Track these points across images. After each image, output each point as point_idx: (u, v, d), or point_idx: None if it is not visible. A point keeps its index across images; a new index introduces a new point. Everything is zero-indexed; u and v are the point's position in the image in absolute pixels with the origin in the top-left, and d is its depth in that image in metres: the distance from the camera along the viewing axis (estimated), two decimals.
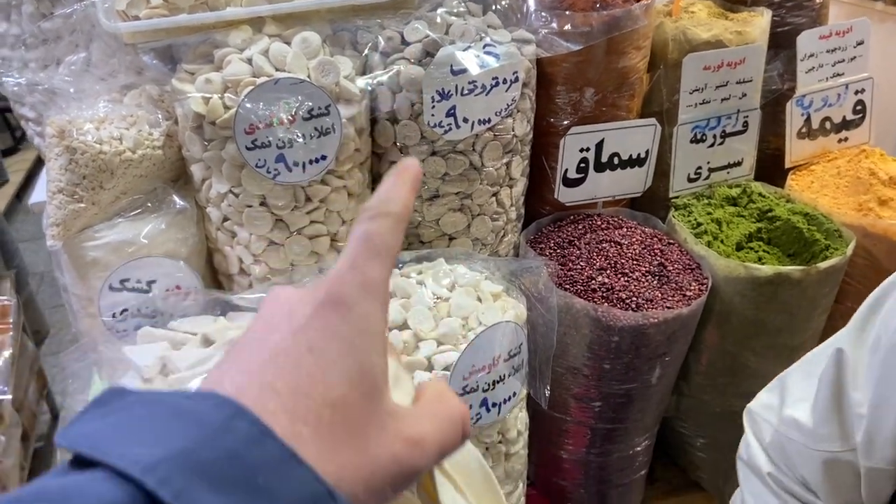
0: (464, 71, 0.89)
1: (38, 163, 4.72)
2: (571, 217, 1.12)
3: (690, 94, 1.06)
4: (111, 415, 0.29)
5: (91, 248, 0.90)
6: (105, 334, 0.92)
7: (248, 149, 0.85)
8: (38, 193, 1.10)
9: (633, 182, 1.11)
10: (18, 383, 2.14)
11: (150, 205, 0.92)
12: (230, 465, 0.26)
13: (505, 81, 0.92)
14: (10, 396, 1.99)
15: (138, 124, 0.90)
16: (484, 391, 0.82)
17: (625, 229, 1.08)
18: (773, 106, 1.22)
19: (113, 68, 0.96)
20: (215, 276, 1.03)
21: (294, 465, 0.27)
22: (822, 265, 0.99)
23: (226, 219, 0.93)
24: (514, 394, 0.87)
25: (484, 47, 0.91)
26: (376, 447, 0.31)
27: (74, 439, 0.28)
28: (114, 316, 0.92)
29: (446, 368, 0.80)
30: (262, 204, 0.90)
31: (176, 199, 0.93)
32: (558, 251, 1.06)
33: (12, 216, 4.09)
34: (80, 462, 0.27)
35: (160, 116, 0.92)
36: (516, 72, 0.93)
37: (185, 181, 0.98)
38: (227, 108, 0.85)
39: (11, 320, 2.22)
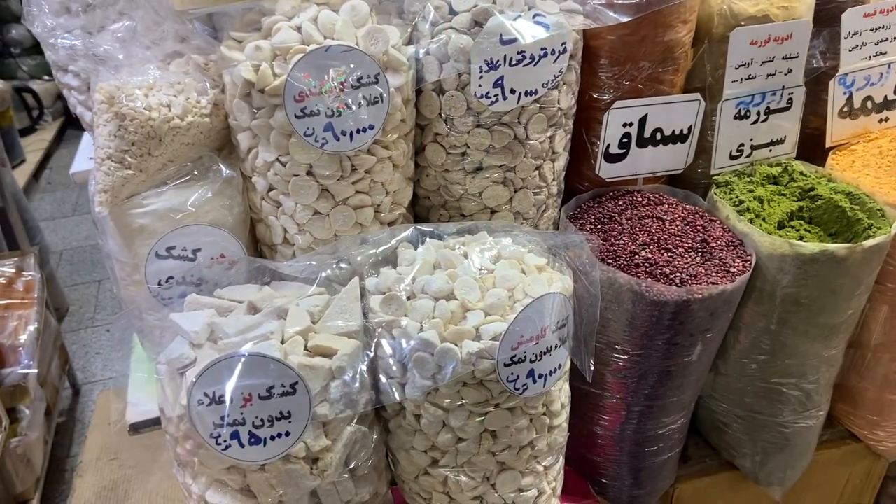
0: (513, 40, 0.88)
1: (55, 142, 4.74)
2: (611, 193, 1.12)
3: (736, 69, 1.05)
4: None
5: (138, 214, 0.90)
6: (150, 301, 0.92)
7: (297, 117, 0.85)
8: (80, 162, 1.10)
9: (675, 158, 1.10)
10: (42, 359, 2.16)
11: (196, 173, 0.92)
12: None
13: (553, 52, 0.92)
14: (35, 370, 2.01)
15: (186, 92, 0.90)
16: (531, 362, 0.82)
17: (666, 206, 1.08)
18: (814, 85, 1.20)
19: (158, 36, 0.95)
20: (257, 246, 1.03)
21: None
22: (867, 243, 0.98)
23: (271, 188, 0.93)
24: (560, 366, 0.87)
25: (534, 17, 0.90)
26: None
27: None
28: (159, 283, 0.92)
29: (494, 338, 0.80)
30: (308, 173, 0.90)
31: (223, 167, 0.93)
32: (599, 227, 1.06)
33: (30, 195, 4.12)
34: None
35: (207, 84, 0.91)
36: (565, 42, 0.92)
37: (229, 150, 0.98)
38: (276, 75, 0.85)
39: (36, 295, 2.24)
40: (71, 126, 4.87)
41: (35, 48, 4.66)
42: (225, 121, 0.94)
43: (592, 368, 0.91)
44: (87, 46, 0.89)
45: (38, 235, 3.02)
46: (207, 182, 0.92)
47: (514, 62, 0.90)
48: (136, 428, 1.03)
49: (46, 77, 4.73)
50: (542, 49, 0.91)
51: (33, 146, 4.53)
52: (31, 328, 2.12)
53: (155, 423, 0.97)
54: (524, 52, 0.90)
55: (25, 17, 0.95)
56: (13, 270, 2.29)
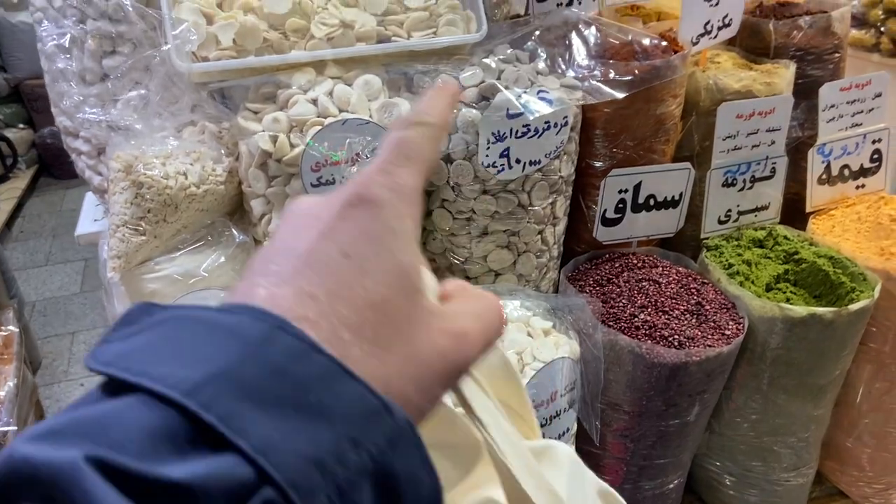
0: (520, 115, 0.93)
1: (28, 191, 4.69)
2: (607, 255, 1.15)
3: (724, 140, 1.10)
4: (142, 333, 0.26)
5: (150, 279, 0.91)
6: None
7: (312, 185, 0.87)
8: (84, 225, 1.11)
9: (667, 222, 1.15)
10: (20, 415, 2.10)
11: (209, 238, 0.94)
12: (277, 383, 0.24)
13: (556, 125, 0.96)
14: (15, 428, 1.96)
15: (202, 160, 0.92)
16: (542, 426, 0.84)
17: (660, 268, 1.12)
18: (794, 153, 1.27)
19: (172, 105, 0.98)
20: None
21: (345, 380, 0.25)
22: (853, 307, 1.03)
23: None
24: (568, 429, 0.89)
25: (538, 93, 0.95)
26: (422, 345, 0.29)
27: (106, 361, 0.25)
28: None
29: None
30: None
31: (235, 232, 0.95)
32: (598, 288, 1.09)
33: (2, 245, 4.05)
34: (114, 386, 0.25)
35: (223, 152, 0.94)
36: (566, 116, 0.97)
37: (240, 215, 1.00)
38: (293, 146, 0.88)
39: (15, 350, 2.20)
40: (45, 174, 4.83)
41: (10, 97, 4.65)
42: (238, 187, 0.96)
43: (599, 430, 0.93)
44: (110, 116, 0.91)
45: (14, 287, 2.97)
46: (220, 247, 0.94)
47: (519, 134, 0.94)
48: None
49: (21, 125, 4.71)
50: (545, 122, 0.95)
51: (6, 195, 4.48)
52: (10, 384, 2.08)
53: None
54: (529, 125, 0.94)
55: (51, 97, 0.97)
56: None
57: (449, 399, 0.38)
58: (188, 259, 0.92)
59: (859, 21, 2.20)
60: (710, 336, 1.01)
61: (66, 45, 0.97)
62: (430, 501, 0.26)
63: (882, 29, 2.17)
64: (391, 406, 0.26)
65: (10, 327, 2.25)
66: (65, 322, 3.47)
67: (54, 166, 4.75)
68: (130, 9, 0.89)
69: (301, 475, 0.23)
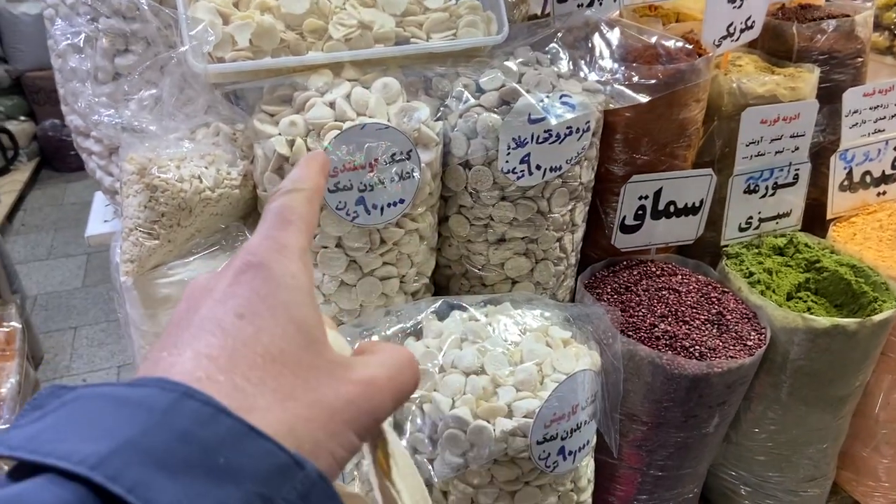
0: (541, 120, 0.91)
1: (29, 184, 4.67)
2: (625, 263, 1.14)
3: (747, 146, 1.08)
4: (49, 415, 0.27)
5: (164, 284, 0.89)
6: None
7: (330, 191, 0.85)
8: (94, 226, 1.09)
9: (687, 229, 1.13)
10: None
11: (224, 242, 0.92)
12: (185, 448, 0.25)
13: (578, 130, 0.94)
14: None
15: (217, 163, 0.90)
16: (563, 439, 0.82)
17: (680, 276, 1.10)
18: (814, 158, 1.25)
19: (185, 105, 0.96)
20: None
21: (253, 438, 0.26)
22: (877, 318, 1.01)
23: None
24: (588, 441, 0.87)
25: (560, 97, 0.93)
26: (328, 391, 0.30)
27: (13, 446, 0.25)
28: None
29: (527, 415, 0.80)
30: (337, 245, 0.90)
31: (249, 237, 0.92)
32: (616, 297, 1.07)
33: (3, 238, 4.03)
34: (24, 470, 0.25)
35: (237, 155, 0.92)
36: (588, 122, 0.95)
37: (254, 220, 0.98)
38: (310, 150, 0.86)
39: (17, 346, 2.18)
40: (46, 167, 4.80)
41: (11, 89, 4.62)
42: (253, 191, 0.94)
43: (618, 442, 0.91)
44: (125, 117, 0.89)
45: (16, 281, 2.95)
46: (234, 252, 0.92)
47: (540, 140, 0.92)
48: None
49: (23, 117, 4.68)
50: (567, 128, 0.93)
51: (7, 187, 4.46)
52: (12, 381, 2.06)
53: None
54: (551, 130, 0.92)
55: (61, 96, 0.94)
56: None
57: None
58: (202, 264, 0.90)
59: (873, 24, 2.18)
60: (731, 347, 0.99)
61: (80, 45, 0.95)
62: None
63: None
64: (301, 461, 0.26)
65: (13, 323, 2.24)
66: (67, 317, 3.45)
67: (56, 159, 4.72)
68: (146, 6, 0.86)
69: None
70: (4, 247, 2.93)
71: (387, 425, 0.38)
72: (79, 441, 0.24)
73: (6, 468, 0.25)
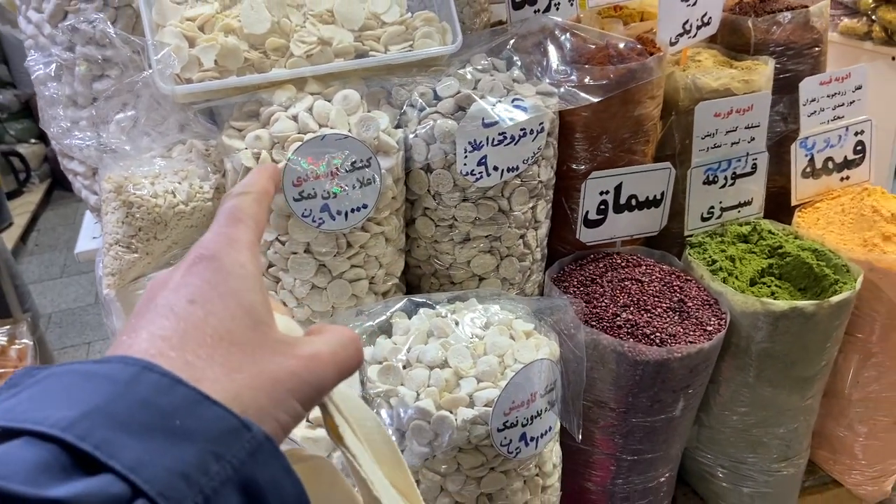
0: (494, 123, 0.95)
1: (42, 205, 4.76)
2: (592, 256, 1.18)
3: (703, 139, 1.12)
4: (24, 391, 0.30)
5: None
6: None
7: (295, 200, 0.90)
8: (83, 242, 1.15)
9: (650, 221, 1.17)
10: None
11: None
12: (145, 413, 0.28)
13: (532, 132, 0.98)
14: None
15: (189, 178, 0.95)
16: (523, 426, 0.86)
17: (644, 267, 1.14)
18: (778, 147, 1.28)
19: (160, 126, 1.01)
20: None
21: (206, 405, 0.30)
22: (834, 299, 1.05)
23: (271, 265, 0.98)
24: (550, 428, 0.91)
25: (512, 101, 0.97)
26: (272, 365, 0.34)
27: None
28: None
29: (487, 405, 0.85)
30: (306, 251, 0.95)
31: None
32: (581, 289, 1.11)
33: (18, 258, 4.13)
34: (1, 437, 0.28)
35: (209, 170, 0.97)
36: (542, 123, 0.99)
37: None
38: (275, 162, 0.91)
39: (29, 363, 2.24)
40: (58, 187, 4.91)
41: (21, 112, 4.73)
42: None
43: (581, 428, 0.95)
44: (98, 140, 0.95)
45: (28, 300, 3.03)
46: None
47: (495, 142, 0.97)
48: None
49: (33, 140, 4.79)
50: (521, 130, 0.97)
51: (20, 209, 4.57)
52: None
53: None
54: (505, 133, 0.96)
55: (42, 120, 1.00)
56: (6, 338, 2.30)
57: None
58: None
59: (851, 10, 2.20)
60: (692, 333, 1.03)
61: (53, 73, 1.01)
62: (295, 502, 0.31)
63: (873, 17, 2.17)
64: (248, 423, 0.30)
65: (25, 340, 2.30)
66: (80, 333, 3.54)
67: (67, 179, 4.80)
68: (114, 35, 0.92)
69: (169, 487, 0.27)
70: (17, 267, 3.01)
71: (338, 393, 0.42)
72: (51, 409, 0.28)
73: None
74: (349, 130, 0.93)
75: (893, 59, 2.20)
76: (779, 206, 1.31)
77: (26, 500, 0.25)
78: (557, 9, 1.17)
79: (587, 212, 1.13)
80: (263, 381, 0.33)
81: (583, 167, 1.12)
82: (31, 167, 4.72)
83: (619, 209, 1.14)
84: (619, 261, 1.16)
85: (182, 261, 0.37)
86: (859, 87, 1.24)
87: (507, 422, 0.85)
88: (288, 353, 0.35)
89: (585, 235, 1.15)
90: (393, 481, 0.46)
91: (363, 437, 0.44)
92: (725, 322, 1.05)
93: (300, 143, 0.89)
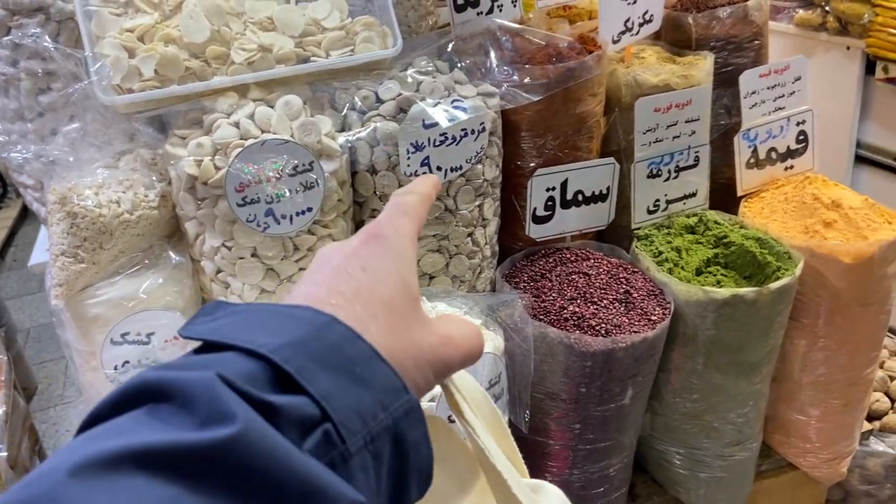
0: (435, 125, 0.97)
1: (20, 220, 4.73)
2: (542, 251, 1.20)
3: (644, 134, 1.15)
4: (222, 318, 0.36)
5: (92, 304, 0.96)
6: (108, 386, 0.97)
7: (238, 205, 0.92)
8: (38, 255, 1.16)
9: (598, 216, 1.19)
10: (12, 441, 2.15)
11: (147, 261, 0.98)
12: (335, 355, 0.34)
13: (473, 132, 1.01)
14: (5, 454, 2.01)
15: (134, 187, 0.97)
16: None
17: (592, 261, 1.16)
18: (724, 139, 1.31)
19: (108, 136, 1.03)
20: None
21: (379, 362, 0.35)
22: (774, 286, 1.07)
23: (219, 270, 0.99)
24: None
25: (452, 102, 0.99)
26: (419, 336, 0.39)
27: (200, 332, 0.35)
28: (115, 368, 0.97)
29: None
30: (253, 255, 0.97)
31: (171, 254, 0.99)
32: (532, 284, 1.14)
33: None
34: (207, 349, 0.34)
35: (154, 178, 0.99)
36: (483, 123, 1.01)
37: (178, 237, 1.04)
38: (217, 168, 0.92)
39: (3, 378, 2.25)
40: None
41: None
42: (173, 210, 1.01)
43: (528, 420, 0.97)
44: (44, 153, 0.96)
45: (4, 315, 3.03)
46: (158, 269, 0.98)
47: (437, 143, 0.99)
48: None
49: None
50: (462, 130, 1.00)
51: None
52: (0, 411, 2.13)
53: None
54: (446, 133, 0.98)
55: None
56: None
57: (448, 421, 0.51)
58: (127, 283, 0.96)
59: (805, 1, 2.24)
60: (636, 323, 1.05)
61: (3, 84, 1.02)
62: (426, 467, 0.37)
63: (827, 8, 2.21)
64: (408, 387, 0.36)
65: None
66: (59, 347, 3.47)
67: None
68: (53, 49, 0.93)
69: (349, 420, 0.32)
70: None
71: (457, 376, 0.48)
72: (256, 334, 0.33)
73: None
74: (291, 135, 0.94)
75: (848, 48, 2.25)
76: (727, 196, 1.34)
77: (250, 396, 0.30)
78: (501, 10, 1.19)
79: (535, 208, 1.15)
80: (411, 346, 0.39)
81: (530, 164, 1.15)
82: (8, 182, 4.70)
83: (566, 205, 1.16)
84: (568, 255, 1.18)
85: (356, 235, 0.43)
86: (799, 79, 1.27)
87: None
88: (430, 330, 0.40)
89: (535, 231, 1.17)
90: (501, 449, 0.51)
91: (475, 410, 0.50)
92: (669, 311, 1.07)
93: (241, 148, 0.91)
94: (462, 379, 0.49)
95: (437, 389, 0.47)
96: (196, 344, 0.36)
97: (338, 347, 0.34)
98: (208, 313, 0.38)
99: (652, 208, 1.22)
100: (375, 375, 0.35)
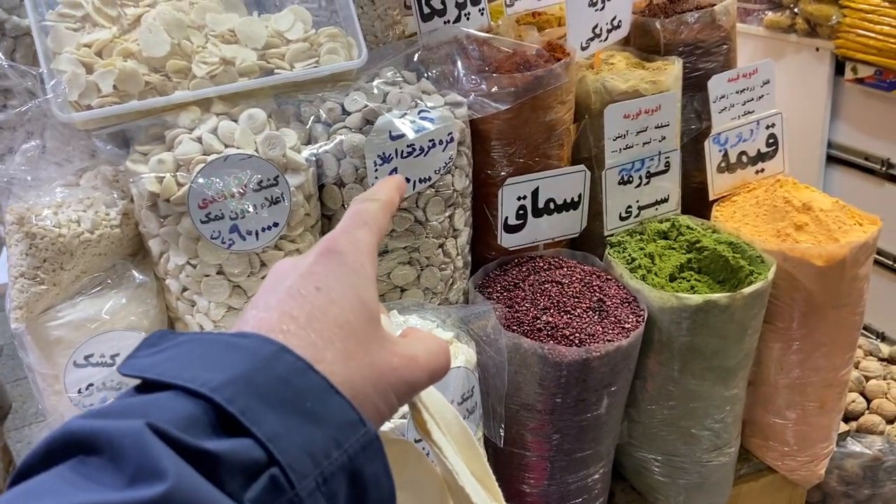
0: (402, 136, 0.96)
1: None
2: (515, 260, 1.19)
3: (614, 140, 1.14)
4: (165, 351, 0.34)
5: (54, 327, 0.93)
6: (72, 410, 0.95)
7: (202, 222, 0.90)
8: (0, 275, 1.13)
9: (570, 224, 1.19)
10: None
11: (110, 281, 0.96)
12: (284, 390, 0.32)
13: (441, 142, 0.99)
14: None
15: (95, 206, 0.94)
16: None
17: (565, 269, 1.15)
18: (695, 143, 1.31)
19: (67, 154, 1.00)
20: None
21: (333, 395, 0.33)
22: (747, 290, 1.07)
23: (185, 289, 0.97)
24: (472, 434, 0.92)
25: (419, 113, 0.98)
26: (379, 359, 0.38)
27: (140, 369, 0.33)
28: (79, 392, 0.95)
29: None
30: (218, 273, 0.95)
31: (135, 273, 0.97)
32: (505, 294, 1.12)
33: None
34: (148, 387, 0.32)
35: (116, 196, 0.96)
36: (451, 133, 1.00)
37: (143, 255, 1.02)
38: (180, 185, 0.90)
39: None
40: None
41: None
42: (136, 228, 0.98)
43: (503, 433, 0.96)
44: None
45: None
46: (122, 289, 0.96)
47: (405, 154, 0.98)
48: None
49: None
50: (429, 141, 0.98)
51: None
52: None
53: None
54: (413, 144, 0.97)
55: None
56: None
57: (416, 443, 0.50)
58: (90, 303, 0.94)
59: (774, 4, 2.26)
60: (610, 331, 1.05)
61: None
62: (386, 500, 0.35)
63: (796, 10, 2.23)
64: (364, 420, 0.34)
65: None
66: None
67: None
68: (8, 66, 0.91)
69: (299, 462, 0.30)
70: None
71: (426, 394, 0.46)
72: (198, 370, 0.31)
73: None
74: (255, 149, 0.93)
75: (818, 49, 2.27)
76: (699, 201, 1.34)
77: (185, 447, 0.28)
78: (468, 19, 1.19)
79: (506, 217, 1.14)
80: (371, 371, 0.37)
81: (500, 173, 1.14)
82: None
83: (537, 213, 1.15)
84: (541, 264, 1.17)
85: (310, 251, 0.41)
86: (767, 82, 1.27)
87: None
88: (392, 351, 0.39)
89: (507, 241, 1.16)
90: (471, 469, 0.50)
91: (444, 429, 0.48)
92: (643, 319, 1.07)
93: (203, 164, 0.89)
94: (430, 395, 0.48)
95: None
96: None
97: (286, 381, 0.32)
98: (152, 344, 0.36)
99: (624, 215, 1.22)
100: (328, 409, 0.33)
